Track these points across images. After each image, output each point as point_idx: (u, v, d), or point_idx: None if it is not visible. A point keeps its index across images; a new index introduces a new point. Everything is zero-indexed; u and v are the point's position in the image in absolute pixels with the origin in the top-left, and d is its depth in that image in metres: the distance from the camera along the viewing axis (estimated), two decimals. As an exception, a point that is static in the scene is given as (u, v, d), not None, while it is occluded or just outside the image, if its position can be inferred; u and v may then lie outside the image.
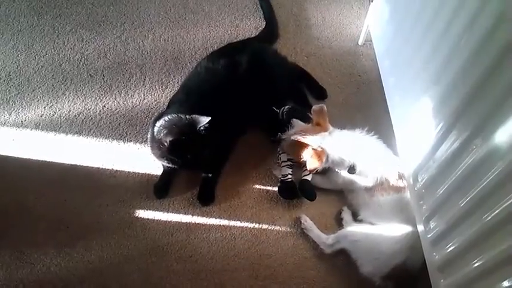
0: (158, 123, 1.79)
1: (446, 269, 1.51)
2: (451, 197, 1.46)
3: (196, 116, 1.76)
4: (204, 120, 1.74)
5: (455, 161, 1.42)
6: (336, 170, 1.98)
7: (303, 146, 1.90)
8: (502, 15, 1.16)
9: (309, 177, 2.03)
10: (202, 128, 1.74)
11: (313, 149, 1.87)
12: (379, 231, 1.85)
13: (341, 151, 1.89)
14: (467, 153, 1.35)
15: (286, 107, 2.09)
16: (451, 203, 1.45)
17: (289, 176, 2.03)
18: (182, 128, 1.75)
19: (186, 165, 1.93)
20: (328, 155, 1.87)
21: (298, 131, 1.94)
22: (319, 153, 1.85)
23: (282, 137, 2.01)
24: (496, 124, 1.21)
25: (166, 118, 1.79)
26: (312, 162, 1.86)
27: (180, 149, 1.77)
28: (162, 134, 1.76)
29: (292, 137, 1.94)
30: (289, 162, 2.03)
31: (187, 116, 1.78)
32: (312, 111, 1.97)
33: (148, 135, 1.90)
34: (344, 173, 1.98)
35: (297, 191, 2.03)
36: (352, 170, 1.92)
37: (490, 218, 1.25)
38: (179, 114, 1.79)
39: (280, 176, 2.05)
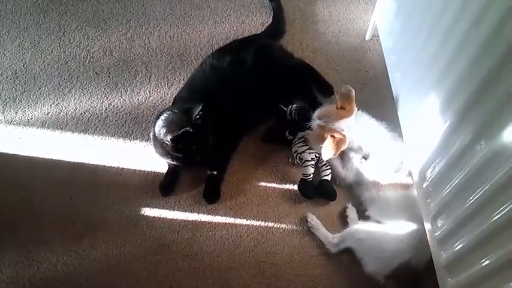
0: (157, 124, 1.80)
1: (453, 268, 1.49)
2: (458, 195, 1.44)
3: (189, 105, 1.77)
4: (197, 108, 1.74)
5: (463, 158, 1.39)
6: (350, 155, 1.96)
7: (324, 132, 1.85)
8: (510, 10, 1.14)
9: (328, 177, 2.02)
10: (198, 116, 1.74)
11: (332, 136, 1.82)
12: (384, 230, 1.83)
13: (362, 138, 1.87)
14: (476, 151, 1.32)
15: (294, 105, 2.07)
16: (459, 202, 1.42)
17: (311, 176, 2.01)
18: (178, 122, 1.75)
19: (191, 162, 1.93)
20: (350, 142, 1.84)
21: (321, 115, 1.88)
22: (338, 142, 1.81)
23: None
24: (504, 121, 1.18)
25: (162, 117, 1.80)
26: (327, 150, 1.81)
27: (182, 143, 1.76)
28: (161, 134, 1.77)
29: (316, 123, 1.88)
30: (312, 162, 2.01)
31: (180, 108, 1.79)
32: (339, 94, 1.89)
33: (151, 135, 1.91)
34: (356, 163, 1.96)
35: (317, 190, 2.03)
36: (366, 157, 1.91)
37: (498, 216, 1.23)
38: (173, 110, 1.80)
39: (301, 175, 2.03)
